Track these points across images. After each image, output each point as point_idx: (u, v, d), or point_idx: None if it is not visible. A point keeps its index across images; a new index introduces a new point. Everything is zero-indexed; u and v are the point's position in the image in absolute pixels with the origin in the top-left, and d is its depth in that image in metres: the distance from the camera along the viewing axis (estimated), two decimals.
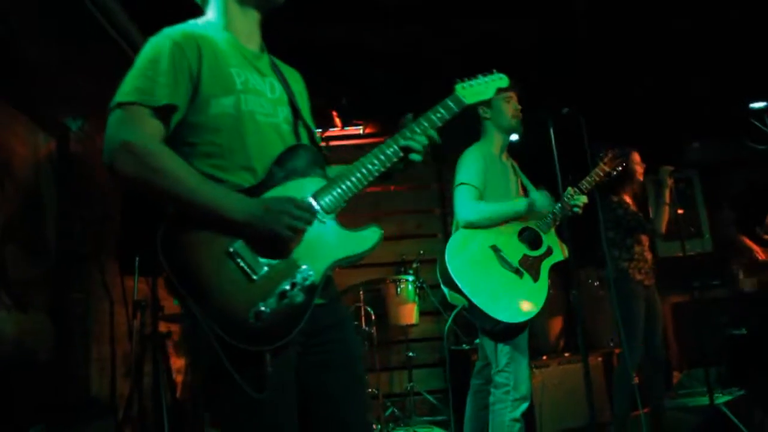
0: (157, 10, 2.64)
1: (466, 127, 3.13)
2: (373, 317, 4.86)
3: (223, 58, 1.59)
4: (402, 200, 6.04)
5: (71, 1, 3.37)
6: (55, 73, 3.31)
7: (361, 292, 4.88)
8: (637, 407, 3.38)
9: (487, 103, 3.16)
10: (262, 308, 1.40)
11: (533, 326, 3.05)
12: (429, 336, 5.70)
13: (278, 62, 1.80)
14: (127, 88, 1.48)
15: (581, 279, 5.52)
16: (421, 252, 5.24)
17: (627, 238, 3.93)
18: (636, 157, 4.09)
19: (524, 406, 2.86)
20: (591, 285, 5.51)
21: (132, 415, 3.55)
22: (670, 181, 4.02)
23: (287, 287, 1.45)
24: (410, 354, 4.93)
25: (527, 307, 2.84)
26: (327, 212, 1.56)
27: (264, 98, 1.63)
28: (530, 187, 3.23)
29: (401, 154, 1.68)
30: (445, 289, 2.93)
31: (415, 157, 1.70)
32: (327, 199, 1.57)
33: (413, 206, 6.05)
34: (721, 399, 4.44)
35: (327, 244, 1.55)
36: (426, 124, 1.72)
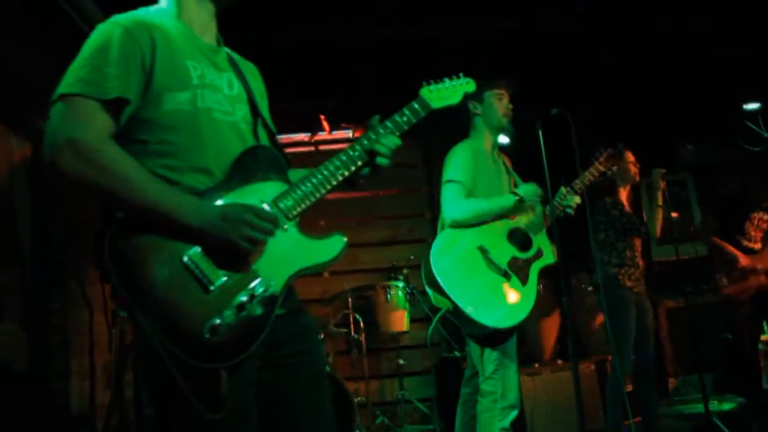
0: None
1: (454, 123, 3.06)
2: (362, 325, 4.76)
3: (178, 50, 1.47)
4: (391, 204, 5.88)
5: (46, 1, 3.29)
6: (28, 76, 3.23)
7: (349, 299, 4.79)
8: (628, 416, 3.31)
9: (478, 99, 3.09)
10: (218, 322, 1.30)
11: (525, 332, 2.97)
12: (421, 343, 5.61)
13: (236, 56, 1.69)
14: (72, 78, 1.35)
15: (575, 284, 5.45)
16: (412, 257, 5.14)
17: (619, 241, 3.86)
18: (631, 156, 4.02)
19: (513, 414, 2.78)
20: (585, 290, 5.43)
21: (113, 425, 3.49)
22: (662, 184, 3.98)
23: (245, 299, 1.35)
24: (401, 362, 4.84)
25: (515, 312, 2.75)
26: (288, 219, 1.47)
27: (221, 95, 1.52)
28: (521, 184, 3.14)
29: (366, 158, 1.61)
30: (430, 291, 2.82)
31: (382, 161, 1.62)
32: (288, 205, 1.47)
33: (403, 210, 5.90)
34: (716, 406, 4.37)
35: (288, 252, 1.45)
36: (391, 126, 1.65)
